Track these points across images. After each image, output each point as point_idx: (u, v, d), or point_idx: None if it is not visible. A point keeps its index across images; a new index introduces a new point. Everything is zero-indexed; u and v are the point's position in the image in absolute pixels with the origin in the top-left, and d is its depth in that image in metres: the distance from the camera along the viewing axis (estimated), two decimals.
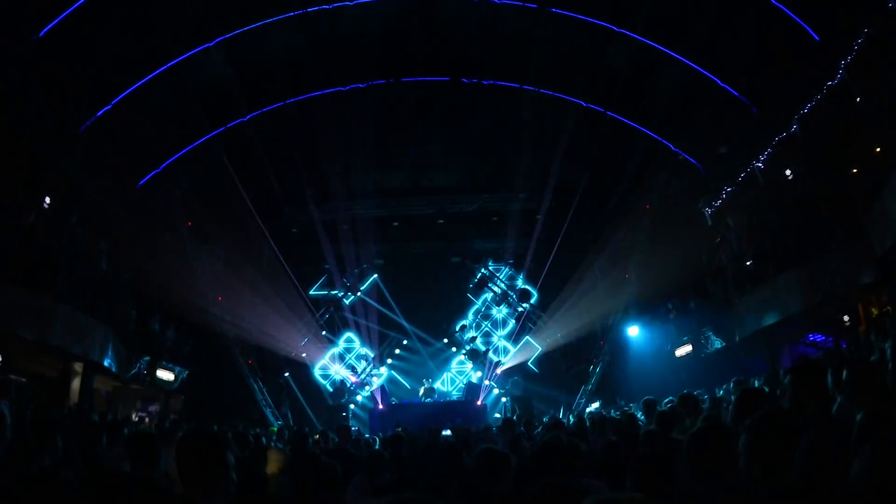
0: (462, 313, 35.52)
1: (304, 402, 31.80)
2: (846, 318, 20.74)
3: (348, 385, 32.19)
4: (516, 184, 31.40)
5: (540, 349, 32.57)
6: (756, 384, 15.71)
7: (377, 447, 11.29)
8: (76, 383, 21.51)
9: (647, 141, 28.00)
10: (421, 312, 35.26)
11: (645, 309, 29.76)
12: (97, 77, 22.74)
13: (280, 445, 14.30)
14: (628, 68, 25.98)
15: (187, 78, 24.79)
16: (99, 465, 7.50)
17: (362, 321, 34.07)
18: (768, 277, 20.97)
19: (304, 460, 8.50)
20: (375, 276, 34.81)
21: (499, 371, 33.16)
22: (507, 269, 35.31)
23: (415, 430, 17.16)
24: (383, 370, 33.95)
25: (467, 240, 34.32)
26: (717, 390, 18.14)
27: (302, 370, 32.09)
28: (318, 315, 32.61)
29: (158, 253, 25.70)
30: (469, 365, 34.37)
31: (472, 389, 32.63)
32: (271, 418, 29.02)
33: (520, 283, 34.57)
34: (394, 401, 32.60)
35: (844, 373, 5.63)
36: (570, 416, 23.54)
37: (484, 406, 31.68)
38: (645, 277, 28.64)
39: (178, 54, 24.18)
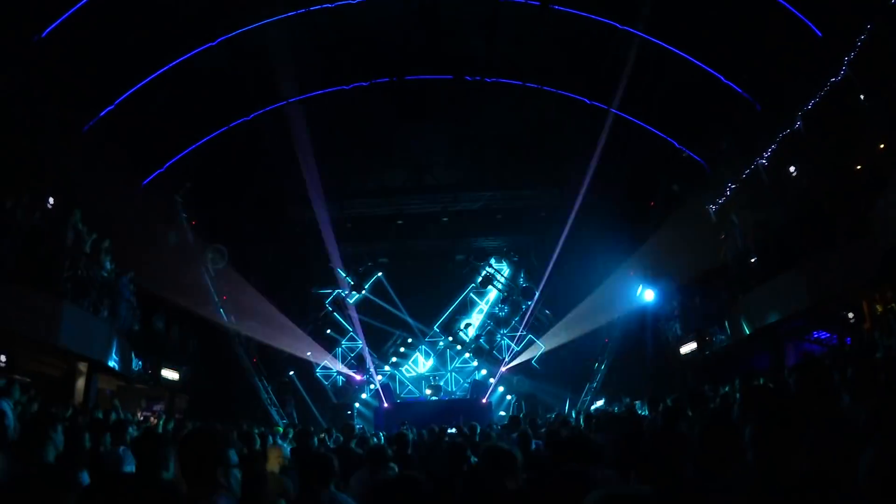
0: (466, 311, 35.55)
1: (309, 400, 31.82)
2: (851, 315, 20.70)
3: (352, 383, 32.23)
4: (520, 181, 31.39)
5: (544, 347, 32.55)
6: (761, 381, 15.71)
7: (382, 444, 11.32)
8: (80, 383, 21.51)
9: (651, 138, 27.97)
10: (425, 310, 35.30)
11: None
12: (100, 76, 22.74)
13: (286, 444, 14.30)
14: (631, 65, 25.95)
15: (190, 77, 24.79)
16: (102, 465, 7.51)
17: (366, 319, 34.11)
18: (773, 274, 20.92)
19: (305, 458, 8.50)
20: (380, 274, 34.84)
21: (503, 369, 33.16)
22: (511, 266, 35.32)
23: (420, 428, 17.16)
24: (387, 368, 33.97)
25: (471, 238, 34.31)
26: (720, 388, 18.13)
27: (307, 369, 32.11)
28: (322, 313, 32.63)
29: (163, 252, 25.70)
30: (474, 363, 34.36)
31: (477, 387, 32.65)
32: (276, 417, 29.04)
33: (523, 280, 34.58)
34: (398, 399, 32.62)
35: (849, 371, 5.63)
36: (574, 413, 23.54)
37: (489, 404, 31.73)
38: (651, 274, 28.61)
39: (181, 53, 24.20)
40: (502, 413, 31.14)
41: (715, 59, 24.15)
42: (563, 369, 32.44)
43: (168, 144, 26.96)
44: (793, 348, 23.23)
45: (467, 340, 34.69)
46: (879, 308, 18.88)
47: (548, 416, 21.17)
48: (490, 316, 35.66)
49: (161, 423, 19.07)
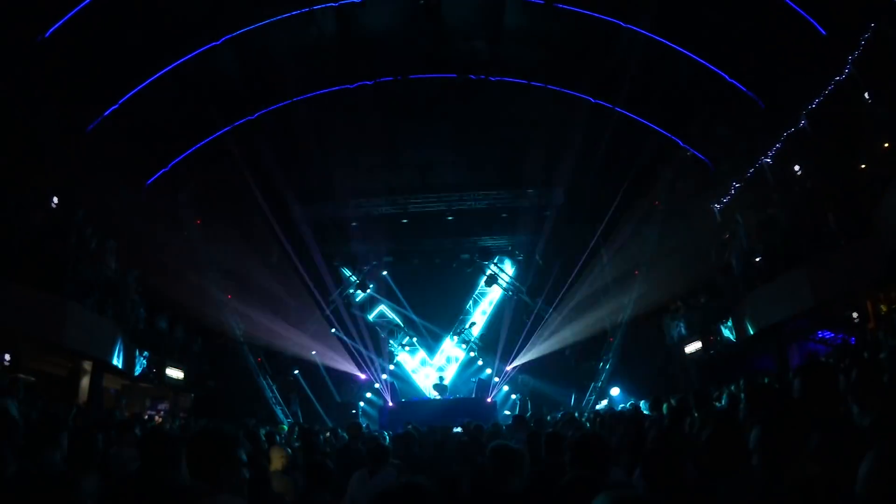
0: (471, 310, 35.58)
1: (313, 399, 31.82)
2: (855, 314, 20.72)
3: (356, 382, 32.27)
4: (525, 180, 31.38)
5: (549, 346, 32.53)
6: (766, 381, 15.72)
7: (387, 443, 11.31)
8: (85, 382, 21.54)
9: (656, 137, 27.97)
10: (430, 309, 35.35)
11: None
12: (103, 76, 22.75)
13: (295, 444, 14.29)
14: (636, 64, 25.94)
15: (195, 76, 24.81)
16: (109, 466, 7.50)
17: (371, 318, 34.16)
18: (777, 274, 20.92)
19: (308, 458, 8.52)
20: (385, 273, 34.87)
21: (508, 368, 33.16)
22: (515, 266, 35.34)
23: (424, 427, 17.14)
24: (392, 367, 34.00)
25: (476, 237, 34.27)
26: (723, 389, 18.11)
27: (311, 368, 32.10)
28: (327, 313, 32.64)
29: (167, 251, 25.72)
30: (479, 362, 34.37)
31: (481, 386, 32.67)
32: (281, 416, 29.06)
33: (528, 279, 34.59)
34: (403, 398, 32.63)
35: (854, 372, 5.62)
36: (577, 413, 23.55)
37: (494, 403, 31.72)
38: (654, 274, 28.60)
39: (186, 53, 24.19)
40: (507, 412, 31.13)
41: (719, 58, 24.13)
42: (568, 368, 32.44)
43: (172, 143, 26.99)
44: (797, 348, 23.25)
45: (472, 339, 34.70)
46: (884, 308, 18.92)
47: (555, 414, 21.11)
48: (495, 315, 35.65)
49: (170, 422, 19.06)
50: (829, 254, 18.27)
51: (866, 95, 19.05)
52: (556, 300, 32.57)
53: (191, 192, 27.70)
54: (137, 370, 23.52)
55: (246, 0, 24.05)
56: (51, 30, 20.21)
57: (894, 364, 9.15)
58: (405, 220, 32.68)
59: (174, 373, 26.19)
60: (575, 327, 31.11)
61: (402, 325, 35.32)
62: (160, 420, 23.16)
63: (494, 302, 36.00)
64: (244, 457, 4.16)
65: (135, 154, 25.21)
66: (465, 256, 34.94)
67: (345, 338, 32.91)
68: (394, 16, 25.74)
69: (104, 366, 21.17)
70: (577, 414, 21.92)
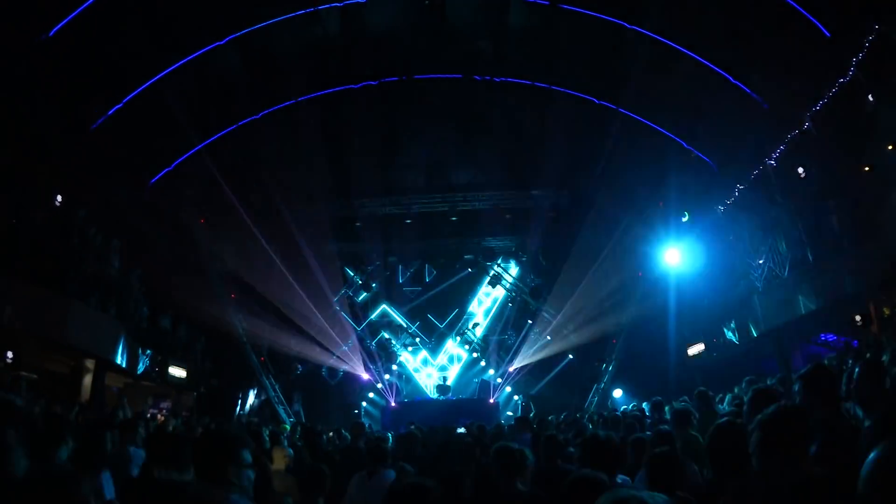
0: (475, 311, 35.59)
1: (316, 398, 31.84)
2: (858, 317, 20.69)
3: (359, 382, 32.31)
4: (529, 181, 31.38)
5: (552, 347, 32.53)
6: (769, 382, 15.69)
7: (391, 444, 11.32)
8: (87, 380, 21.59)
9: (660, 138, 27.95)
10: (433, 309, 35.35)
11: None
12: (108, 75, 22.79)
13: (298, 443, 14.28)
14: (640, 65, 25.93)
15: (199, 76, 24.83)
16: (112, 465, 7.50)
17: (375, 318, 34.19)
18: (780, 276, 20.92)
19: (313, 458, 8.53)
20: (388, 273, 34.89)
21: (511, 369, 33.17)
22: (519, 266, 35.33)
23: (427, 427, 17.12)
24: (395, 367, 34.01)
25: (480, 237, 34.26)
26: (725, 392, 18.09)
27: (314, 367, 32.12)
28: (330, 312, 32.64)
29: (170, 250, 25.74)
30: (482, 363, 34.38)
31: (484, 387, 32.68)
32: (283, 415, 29.06)
33: (532, 281, 34.58)
34: (405, 399, 32.65)
35: (856, 376, 5.61)
36: (577, 414, 23.53)
37: (496, 404, 31.73)
38: (660, 275, 28.60)
39: (190, 52, 24.22)
40: (509, 413, 31.12)
41: (723, 59, 24.12)
42: (571, 370, 32.44)
43: (176, 143, 26.99)
44: (800, 351, 23.24)
45: (475, 340, 34.71)
46: (887, 311, 18.87)
47: (557, 416, 21.08)
48: (498, 316, 35.66)
49: (173, 421, 19.04)
50: (833, 256, 18.27)
51: (870, 97, 19.03)
52: (560, 302, 32.57)
53: (194, 191, 27.67)
54: (140, 368, 23.55)
55: (250, 0, 24.09)
56: (55, 29, 20.24)
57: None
58: (409, 221, 32.66)
59: (177, 371, 26.22)
60: (578, 329, 31.12)
61: (404, 325, 35.31)
62: (162, 419, 23.16)
63: (498, 303, 35.98)
64: (249, 457, 4.17)
65: (138, 153, 25.25)
66: (469, 257, 34.96)
67: (349, 337, 32.92)
68: (398, 16, 25.75)
69: (107, 364, 21.19)
70: (577, 415, 21.94)
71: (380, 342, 34.47)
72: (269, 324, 29.71)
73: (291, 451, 10.48)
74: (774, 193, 23.00)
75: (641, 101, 27.10)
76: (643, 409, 14.33)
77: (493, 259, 34.51)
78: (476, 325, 35.19)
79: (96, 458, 6.32)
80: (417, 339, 35.13)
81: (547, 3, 24.17)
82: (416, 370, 35.20)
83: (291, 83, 27.30)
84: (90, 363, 21.37)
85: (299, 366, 31.87)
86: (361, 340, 33.67)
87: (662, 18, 23.89)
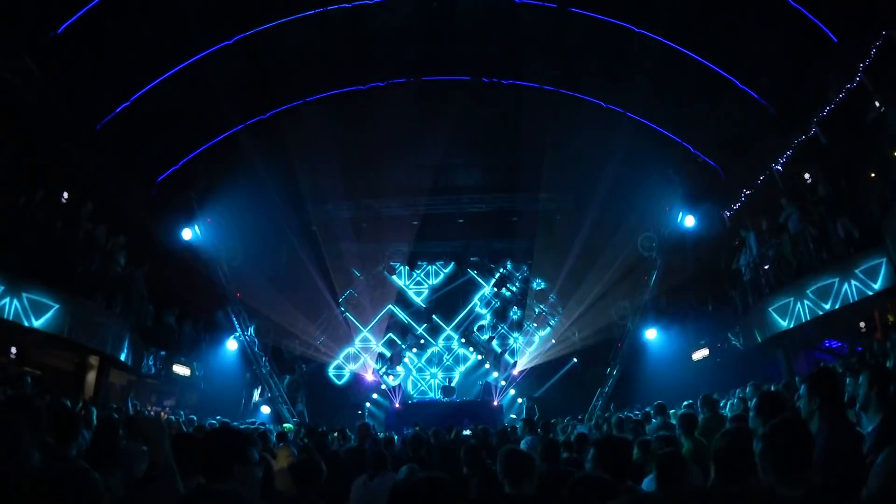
0: (480, 313, 35.60)
1: (320, 399, 31.86)
2: (862, 324, 20.68)
3: (364, 383, 32.34)
4: (536, 184, 31.37)
5: (556, 351, 32.53)
6: (773, 388, 15.68)
7: (398, 445, 11.35)
8: (91, 377, 21.60)
9: (667, 142, 27.94)
10: (439, 312, 35.38)
11: (663, 312, 29.63)
12: (116, 73, 22.83)
13: (300, 443, 14.30)
14: (648, 68, 25.94)
15: (207, 75, 24.84)
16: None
17: (380, 319, 34.22)
18: (786, 282, 20.90)
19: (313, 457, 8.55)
20: (394, 275, 34.92)
21: (515, 372, 33.18)
22: (525, 269, 35.34)
23: (431, 429, 17.13)
24: (400, 369, 34.01)
25: (486, 239, 34.27)
26: (729, 396, 18.07)
27: (318, 367, 32.16)
28: (336, 313, 32.67)
29: (176, 248, 25.78)
30: (486, 365, 34.37)
31: (488, 390, 32.68)
32: (286, 415, 29.06)
33: (538, 283, 34.60)
34: (410, 400, 32.65)
35: (861, 381, 5.63)
36: (583, 417, 23.51)
37: (500, 406, 31.72)
38: (664, 280, 28.59)
39: (198, 51, 24.24)
40: (513, 416, 31.10)
41: (731, 64, 24.12)
42: (575, 373, 32.43)
43: (183, 141, 27.03)
44: (804, 356, 23.23)
45: (480, 342, 34.72)
46: (891, 318, 18.88)
47: (563, 420, 21.06)
48: (503, 318, 35.65)
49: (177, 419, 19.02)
50: (838, 261, 18.25)
51: (877, 103, 19.02)
52: (565, 305, 32.58)
53: (201, 190, 27.68)
54: (144, 366, 23.58)
55: (259, 0, 24.13)
56: (63, 26, 20.28)
57: None
58: (415, 222, 32.67)
59: (181, 369, 26.24)
60: (583, 332, 31.14)
61: (410, 326, 35.33)
62: (164, 417, 23.20)
63: (503, 305, 35.95)
64: (257, 455, 4.20)
65: (146, 151, 25.30)
66: (475, 259, 34.97)
67: (354, 337, 32.95)
68: (407, 17, 25.74)
69: (111, 361, 21.22)
70: (580, 416, 21.94)
71: (385, 343, 34.49)
72: (274, 323, 29.74)
73: (296, 450, 10.50)
74: (780, 198, 22.97)
75: (649, 104, 27.11)
76: (648, 413, 14.33)
77: (498, 261, 34.51)
78: (481, 327, 35.20)
79: (109, 455, 6.32)
80: (422, 341, 35.12)
81: (556, 5, 24.18)
82: (421, 371, 35.18)
83: (299, 84, 27.35)
84: (94, 360, 21.39)
85: (303, 365, 31.88)
86: (366, 341, 33.70)
87: (670, 22, 23.91)
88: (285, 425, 22.61)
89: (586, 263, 30.68)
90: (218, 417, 19.25)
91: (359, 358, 33.19)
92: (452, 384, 33.36)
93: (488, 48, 27.39)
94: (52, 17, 20.06)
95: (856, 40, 19.68)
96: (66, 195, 21.24)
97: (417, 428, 15.56)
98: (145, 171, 26.31)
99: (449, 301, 36.09)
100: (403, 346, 34.61)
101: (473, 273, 35.76)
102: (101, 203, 21.63)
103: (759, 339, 22.46)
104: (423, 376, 35.08)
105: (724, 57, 24.06)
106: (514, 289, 35.16)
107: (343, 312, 33.20)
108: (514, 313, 35.32)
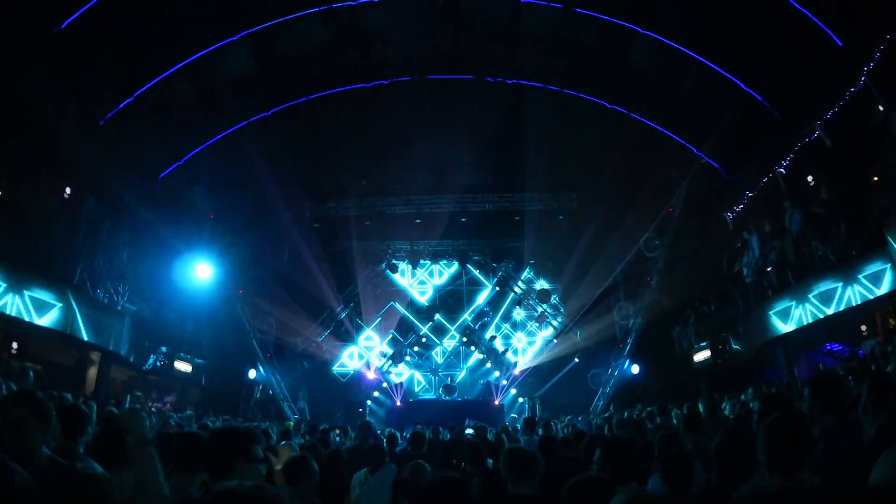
0: (482, 312, 35.62)
1: (321, 397, 31.87)
2: (863, 327, 20.68)
3: (365, 381, 32.35)
4: (539, 184, 31.38)
5: (558, 350, 32.54)
6: (773, 391, 15.69)
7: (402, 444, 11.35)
8: (93, 372, 21.63)
9: (670, 143, 27.94)
10: (441, 310, 35.40)
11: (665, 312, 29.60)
12: (119, 69, 22.84)
13: (299, 440, 14.29)
14: (652, 70, 25.95)
15: (210, 71, 24.86)
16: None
17: (382, 318, 34.22)
18: (788, 284, 20.91)
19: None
20: (396, 273, 34.92)
21: (517, 371, 33.19)
22: (527, 269, 35.34)
23: (430, 428, 17.12)
24: (401, 367, 34.03)
25: (488, 238, 34.26)
26: (732, 398, 18.09)
27: (320, 365, 32.17)
28: (338, 310, 32.67)
29: (179, 244, 25.79)
30: (488, 364, 34.37)
31: (489, 389, 32.68)
32: (288, 412, 29.08)
33: (540, 283, 34.62)
34: (411, 398, 32.65)
35: (864, 384, 5.63)
36: (581, 418, 23.50)
37: (501, 406, 31.72)
38: (666, 281, 28.58)
39: (202, 48, 24.24)
40: (514, 415, 31.12)
41: (735, 66, 24.11)
42: (577, 373, 32.42)
43: (186, 137, 27.03)
44: (805, 359, 23.22)
45: (482, 341, 34.72)
46: (892, 322, 18.87)
47: (563, 419, 21.07)
48: (505, 318, 35.67)
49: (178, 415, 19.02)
50: (840, 265, 18.26)
51: (881, 107, 19.00)
52: (567, 305, 32.60)
53: (204, 187, 27.69)
54: (146, 363, 23.59)
55: None
56: (67, 21, 20.28)
57: None
58: (418, 221, 32.68)
59: (182, 366, 26.25)
60: (585, 332, 31.15)
61: (412, 324, 35.35)
62: (165, 412, 23.22)
63: (505, 305, 35.96)
64: (260, 452, 4.21)
65: (149, 147, 25.30)
66: (478, 258, 34.97)
67: (356, 336, 32.97)
68: (412, 16, 25.74)
69: (112, 357, 21.23)
70: (580, 418, 21.95)
71: (387, 341, 34.51)
72: (275, 320, 29.75)
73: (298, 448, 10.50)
74: (783, 201, 22.97)
75: (652, 105, 27.11)
76: (652, 413, 14.34)
77: (501, 261, 34.50)
78: (483, 326, 35.20)
79: (118, 452, 6.29)
80: (424, 339, 35.12)
81: (561, 6, 24.18)
82: (423, 370, 35.18)
83: (303, 81, 27.36)
84: (95, 356, 21.41)
85: (305, 363, 31.89)
86: (368, 339, 33.72)
87: (674, 24, 23.91)
88: (287, 423, 22.65)
89: (589, 263, 30.70)
90: (226, 417, 19.32)
91: (360, 356, 33.18)
92: (454, 383, 33.36)
93: (492, 47, 27.39)
94: (56, 11, 20.07)
95: (860, 44, 19.66)
96: (68, 190, 21.24)
97: (419, 426, 15.59)
98: (148, 166, 26.30)
99: (451, 300, 36.13)
100: (405, 345, 34.61)
101: (476, 272, 35.75)
102: (104, 198, 21.66)
103: (761, 342, 22.47)
104: (424, 375, 35.10)
105: (728, 59, 24.04)
106: (516, 288, 35.14)
107: (345, 310, 33.18)
108: (516, 313, 35.33)
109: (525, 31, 25.87)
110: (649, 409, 15.93)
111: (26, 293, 16.64)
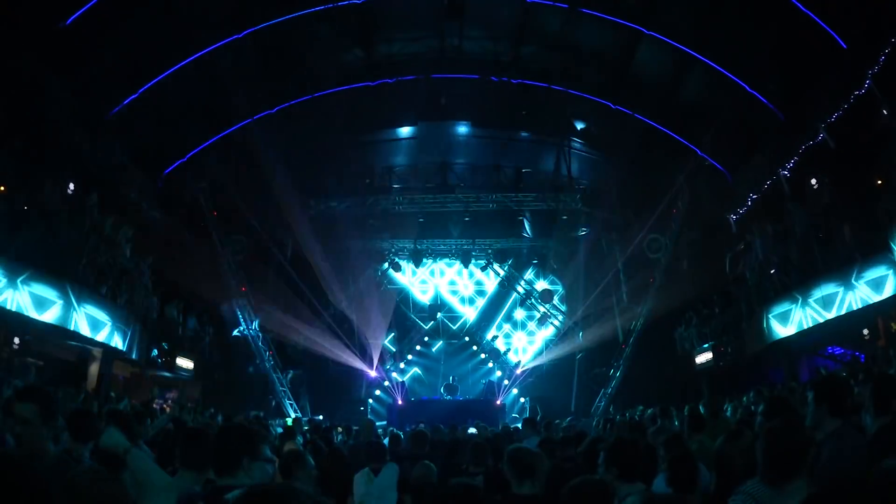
0: (485, 312, 35.62)
1: (322, 394, 31.84)
2: (865, 331, 20.65)
3: (367, 379, 32.36)
4: (543, 184, 31.37)
5: (560, 350, 32.51)
6: (774, 394, 15.68)
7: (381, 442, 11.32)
8: (94, 368, 21.56)
9: (675, 145, 27.94)
10: (443, 310, 35.40)
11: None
12: (124, 65, 22.85)
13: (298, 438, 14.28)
14: (657, 70, 25.96)
15: (216, 68, 24.86)
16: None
17: (384, 316, 34.20)
18: (791, 287, 20.89)
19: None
20: (399, 272, 34.90)
21: (518, 371, 33.18)
22: (531, 269, 35.34)
23: (433, 427, 17.09)
24: (403, 366, 34.03)
25: (493, 238, 34.21)
26: (734, 400, 18.06)
27: (322, 363, 32.13)
28: (340, 308, 32.63)
29: (182, 241, 25.78)
30: (490, 364, 34.35)
31: (490, 388, 32.66)
32: (289, 410, 29.06)
33: (543, 283, 34.62)
34: (412, 397, 32.62)
35: (869, 385, 5.63)
36: (583, 418, 23.50)
37: (503, 405, 31.69)
38: (669, 282, 28.55)
39: (208, 44, 24.27)
40: (515, 415, 31.10)
41: (740, 68, 24.11)
42: (579, 374, 32.38)
43: (191, 134, 27.05)
44: (807, 362, 23.20)
45: (484, 340, 34.70)
46: (894, 326, 18.85)
47: (565, 420, 21.03)
48: (507, 318, 35.67)
49: (179, 412, 18.98)
50: (843, 268, 18.24)
51: (885, 111, 18.99)
52: (569, 305, 32.60)
53: (208, 183, 27.69)
54: (148, 359, 23.58)
55: None
56: (72, 17, 20.30)
57: None
58: (421, 219, 32.66)
59: (184, 362, 26.22)
60: (587, 333, 31.12)
61: (414, 323, 35.34)
62: (167, 408, 23.21)
63: (508, 304, 35.94)
64: (268, 453, 4.21)
65: (153, 143, 25.31)
66: (481, 257, 34.94)
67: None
68: (418, 15, 25.76)
69: (114, 353, 21.22)
70: (582, 419, 21.93)
71: (389, 340, 34.49)
72: (278, 318, 29.71)
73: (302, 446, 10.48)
74: (787, 204, 22.97)
75: (656, 106, 27.12)
76: (654, 415, 14.32)
77: (504, 260, 34.48)
78: (485, 326, 35.19)
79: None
80: (426, 338, 35.11)
81: (566, 6, 24.19)
82: (424, 369, 35.15)
83: (307, 79, 27.38)
84: (97, 352, 21.38)
85: (307, 360, 31.84)
86: (370, 337, 33.68)
87: (679, 25, 23.92)
88: (285, 420, 22.61)
89: (592, 264, 30.69)
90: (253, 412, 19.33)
91: (362, 354, 33.15)
92: (455, 382, 33.32)
93: (498, 47, 27.42)
94: (61, 7, 20.09)
95: (865, 47, 19.67)
96: (71, 186, 21.23)
97: (422, 425, 15.55)
98: (152, 163, 26.31)
99: (454, 299, 36.10)
100: (407, 344, 34.61)
101: (479, 272, 35.73)
102: (108, 194, 21.66)
103: (762, 344, 22.45)
104: (426, 374, 35.07)
105: (733, 60, 24.06)
106: (519, 288, 35.13)
107: (347, 308, 33.13)
108: (519, 312, 35.33)
109: (530, 30, 25.91)
110: (650, 410, 15.93)
111: (28, 289, 16.62)
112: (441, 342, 35.25)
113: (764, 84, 24.05)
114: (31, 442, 4.12)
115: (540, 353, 33.61)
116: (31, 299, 16.69)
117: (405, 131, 30.78)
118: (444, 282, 36.24)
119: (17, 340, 19.11)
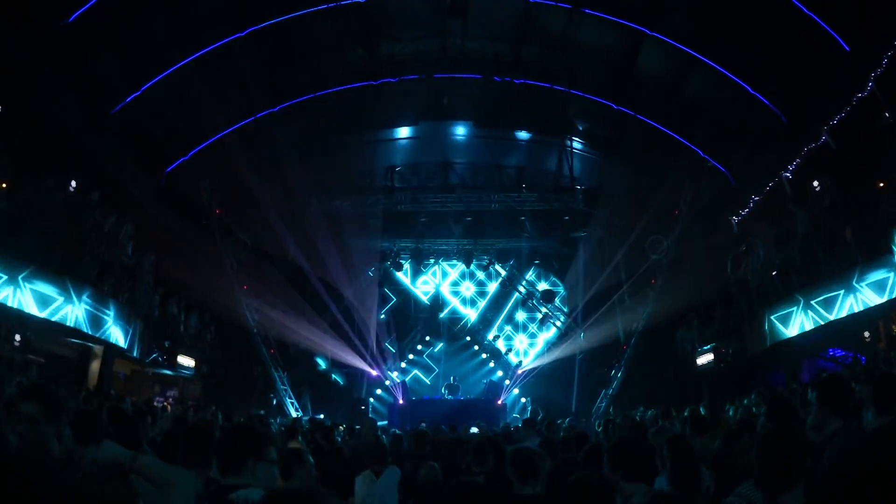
0: (486, 312, 35.59)
1: (323, 394, 31.83)
2: (867, 333, 20.64)
3: (368, 378, 32.33)
4: (545, 184, 31.36)
5: (561, 351, 32.47)
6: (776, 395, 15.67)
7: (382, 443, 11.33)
8: (95, 365, 21.56)
9: (677, 146, 27.92)
10: (445, 309, 35.38)
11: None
12: (127, 63, 22.89)
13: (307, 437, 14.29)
14: (660, 71, 25.95)
15: (218, 66, 24.87)
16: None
17: (384, 315, 34.17)
18: (792, 289, 20.88)
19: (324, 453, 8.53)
20: (400, 272, 34.88)
21: (520, 371, 33.15)
22: (532, 269, 35.32)
23: (434, 426, 17.09)
24: (404, 366, 34.01)
25: (494, 238, 34.17)
26: (735, 402, 18.06)
27: (322, 362, 32.10)
28: (341, 307, 32.61)
29: (184, 239, 25.77)
30: (491, 364, 34.34)
31: (491, 388, 32.64)
32: (290, 409, 29.05)
33: (544, 284, 34.60)
34: (413, 397, 32.60)
35: (872, 388, 5.63)
36: (582, 421, 23.48)
37: (504, 405, 31.67)
38: (671, 284, 28.52)
39: (211, 42, 24.28)
40: (516, 415, 31.08)
41: (743, 70, 24.11)
42: (580, 374, 32.36)
43: (194, 132, 27.05)
44: (808, 364, 23.19)
45: (485, 341, 34.69)
46: (895, 328, 18.83)
47: (566, 421, 21.01)
48: (509, 318, 35.66)
49: (180, 410, 18.99)
50: (845, 271, 18.23)
51: (887, 114, 18.99)
52: (571, 305, 32.57)
53: (211, 181, 27.67)
54: (149, 356, 23.57)
55: None
56: (74, 15, 20.31)
57: None
58: (423, 219, 32.62)
59: (185, 360, 26.21)
60: (588, 334, 31.08)
61: (415, 322, 35.33)
62: (168, 406, 23.21)
63: (509, 304, 35.93)
64: (274, 454, 4.22)
65: (155, 141, 25.31)
66: (483, 258, 34.91)
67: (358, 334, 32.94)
68: (420, 14, 25.76)
69: (115, 350, 21.22)
70: (582, 420, 21.91)
71: (390, 340, 34.46)
72: (280, 316, 29.69)
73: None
74: (789, 206, 22.96)
75: (659, 108, 27.11)
76: (656, 417, 14.33)
77: (506, 260, 34.46)
78: (487, 326, 35.18)
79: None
80: (428, 338, 35.09)
81: (569, 6, 24.19)
82: (426, 369, 35.15)
83: (309, 78, 27.37)
84: (98, 349, 21.38)
85: (308, 359, 31.82)
86: (372, 337, 33.65)
87: (682, 26, 23.91)
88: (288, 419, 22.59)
89: (593, 265, 30.66)
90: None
91: (363, 354, 33.12)
92: (456, 382, 33.29)
93: (500, 47, 27.40)
94: (63, 5, 20.10)
95: (868, 49, 19.67)
96: (73, 183, 21.23)
97: (423, 425, 15.55)
98: (154, 161, 26.31)
99: (455, 299, 36.08)
100: (408, 343, 34.60)
101: (480, 272, 35.70)
102: (110, 192, 21.67)
103: (764, 346, 22.44)
104: (427, 373, 35.05)
105: (736, 62, 24.05)
106: (520, 288, 35.11)
107: (349, 308, 33.10)
108: (520, 313, 35.32)
109: (533, 30, 25.90)
110: (651, 411, 15.94)
111: (29, 286, 16.62)
112: (442, 342, 35.22)
113: (766, 86, 24.05)
114: (35, 441, 4.11)
115: (541, 354, 33.55)
116: (33, 296, 16.70)
117: (407, 131, 30.75)
118: (445, 282, 36.19)
119: (18, 338, 19.10)
